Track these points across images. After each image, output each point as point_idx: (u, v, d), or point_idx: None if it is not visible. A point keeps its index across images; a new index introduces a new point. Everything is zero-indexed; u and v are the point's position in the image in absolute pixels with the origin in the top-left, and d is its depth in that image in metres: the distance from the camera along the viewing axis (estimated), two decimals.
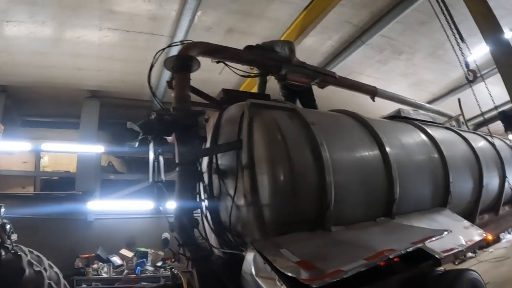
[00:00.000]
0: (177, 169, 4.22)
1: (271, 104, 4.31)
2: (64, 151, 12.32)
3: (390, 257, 3.24)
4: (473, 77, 6.40)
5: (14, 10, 7.74)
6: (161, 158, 4.33)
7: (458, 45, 6.09)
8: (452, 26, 6.08)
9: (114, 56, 9.76)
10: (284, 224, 3.61)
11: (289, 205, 3.60)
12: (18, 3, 7.52)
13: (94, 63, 9.99)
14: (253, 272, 3.13)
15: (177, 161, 4.23)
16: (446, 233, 4.01)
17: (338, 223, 3.91)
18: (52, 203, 9.98)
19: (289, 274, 2.81)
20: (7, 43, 8.78)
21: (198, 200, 4.26)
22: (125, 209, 10.82)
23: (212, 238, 4.35)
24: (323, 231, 3.74)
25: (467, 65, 6.32)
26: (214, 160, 4.41)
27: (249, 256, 3.25)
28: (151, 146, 4.30)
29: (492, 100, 6.56)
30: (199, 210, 4.39)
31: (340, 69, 10.12)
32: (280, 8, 8.51)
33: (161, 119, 4.19)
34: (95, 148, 11.15)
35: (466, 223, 5.25)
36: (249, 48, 5.99)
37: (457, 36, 6.10)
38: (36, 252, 6.94)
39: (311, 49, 10.06)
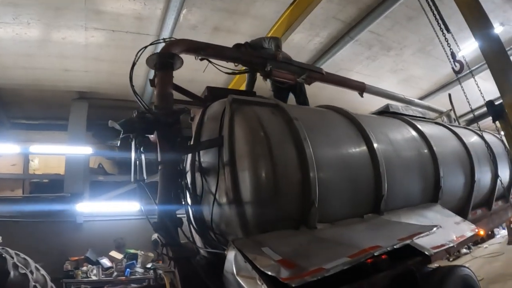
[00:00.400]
0: (159, 167, 4.14)
1: (253, 100, 4.22)
2: (53, 153, 12.19)
3: (375, 254, 3.16)
4: (459, 68, 6.31)
5: None
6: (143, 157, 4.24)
7: (444, 36, 6.00)
8: (437, 16, 5.98)
9: (101, 57, 9.64)
10: (267, 222, 3.52)
11: (271, 202, 3.51)
12: (2, 4, 7.37)
13: (81, 64, 9.87)
14: (234, 271, 3.03)
15: (159, 159, 4.14)
16: (435, 228, 3.97)
17: (323, 221, 3.82)
18: (41, 205, 9.91)
19: (269, 273, 2.73)
20: None
21: (181, 199, 4.19)
22: (115, 210, 10.70)
23: (197, 238, 4.26)
24: (307, 228, 3.65)
25: (453, 55, 6.23)
26: (197, 158, 4.33)
27: (230, 255, 3.16)
28: (133, 145, 4.21)
29: (482, 95, 6.49)
30: (183, 210, 4.30)
31: (328, 66, 10.06)
32: (265, 5, 8.43)
33: (142, 117, 4.12)
34: (83, 150, 11.01)
35: (457, 218, 5.18)
36: (237, 46, 5.92)
37: (442, 26, 6.00)
38: (22, 255, 6.88)
39: (299, 46, 9.99)
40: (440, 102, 11.38)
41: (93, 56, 9.55)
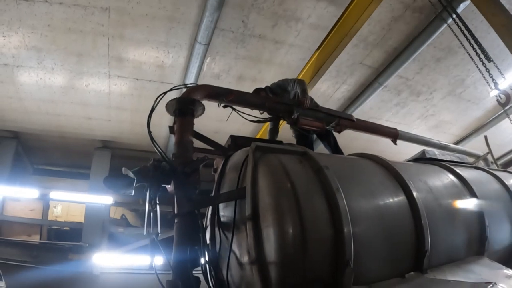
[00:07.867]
0: (175, 221, 3.80)
1: (279, 148, 3.86)
2: (72, 200, 12.10)
3: None
4: (505, 100, 5.85)
5: (24, 55, 7.74)
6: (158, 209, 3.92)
7: (484, 66, 5.60)
8: (475, 46, 5.60)
9: (124, 106, 9.68)
10: (293, 285, 3.06)
11: (299, 262, 3.06)
12: (26, 48, 7.49)
13: (104, 112, 9.91)
14: None
15: (175, 212, 3.83)
16: (490, 286, 3.47)
17: (358, 283, 3.30)
18: (57, 253, 9.75)
19: None
20: (18, 89, 8.82)
21: (199, 256, 3.79)
22: (133, 264, 10.30)
23: None
24: None
25: (497, 86, 5.80)
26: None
27: None
28: (147, 195, 3.91)
29: None
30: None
31: (357, 115, 9.52)
32: (290, 52, 8.31)
33: (157, 166, 3.85)
34: (103, 199, 10.82)
35: (508, 271, 4.53)
36: (257, 91, 5.71)
37: (482, 56, 5.63)
38: None
39: (326, 95, 9.79)
40: (471, 147, 10.86)
41: (116, 105, 9.57)
